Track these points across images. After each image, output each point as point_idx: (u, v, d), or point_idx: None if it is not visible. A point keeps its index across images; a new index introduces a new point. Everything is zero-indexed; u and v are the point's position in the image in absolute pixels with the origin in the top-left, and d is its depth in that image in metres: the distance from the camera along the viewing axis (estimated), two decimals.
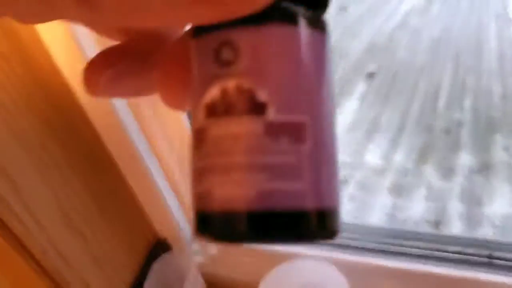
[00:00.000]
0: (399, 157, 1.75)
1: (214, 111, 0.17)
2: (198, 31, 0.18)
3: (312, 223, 0.17)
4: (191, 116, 0.18)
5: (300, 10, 0.17)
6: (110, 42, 0.21)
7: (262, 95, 0.16)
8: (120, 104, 0.60)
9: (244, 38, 0.17)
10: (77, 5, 0.13)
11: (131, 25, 0.16)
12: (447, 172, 1.65)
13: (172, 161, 0.72)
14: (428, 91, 2.21)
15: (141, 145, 0.65)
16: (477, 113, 1.99)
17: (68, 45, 0.52)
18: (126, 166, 0.69)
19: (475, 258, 0.70)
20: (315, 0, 0.18)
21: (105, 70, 0.20)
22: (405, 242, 0.74)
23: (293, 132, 0.17)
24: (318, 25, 0.18)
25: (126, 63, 0.20)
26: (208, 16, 0.14)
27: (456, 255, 0.71)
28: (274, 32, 0.17)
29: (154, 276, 0.73)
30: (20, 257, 0.52)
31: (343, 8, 3.48)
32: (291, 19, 0.17)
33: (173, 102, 0.20)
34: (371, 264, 0.71)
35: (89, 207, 0.62)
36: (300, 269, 0.70)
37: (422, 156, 1.75)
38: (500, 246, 0.70)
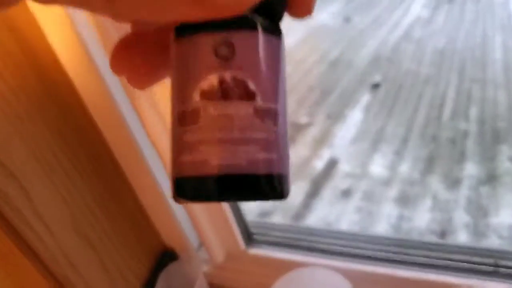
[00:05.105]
0: (405, 168, 1.76)
1: (212, 95, 0.21)
2: (192, 29, 0.22)
3: (279, 185, 0.22)
4: (177, 99, 0.22)
5: (276, 24, 0.23)
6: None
7: (252, 86, 0.21)
8: (130, 116, 0.61)
9: (239, 40, 0.21)
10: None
11: (142, 17, 0.20)
12: (453, 182, 1.65)
13: None
14: (433, 102, 2.22)
15: (151, 158, 0.66)
16: (482, 123, 1.99)
17: (80, 57, 0.53)
18: (135, 177, 0.70)
19: (481, 266, 0.70)
20: (277, 14, 0.23)
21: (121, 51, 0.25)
22: (411, 251, 0.75)
23: (272, 116, 0.22)
24: (281, 34, 0.23)
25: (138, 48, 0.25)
26: (199, 15, 0.19)
27: (463, 264, 0.71)
28: (263, 38, 0.22)
29: (162, 285, 0.73)
30: (31, 264, 0.53)
31: (347, 20, 3.50)
32: (274, 30, 0.23)
33: (138, 84, 0.25)
34: (377, 273, 0.72)
35: (98, 217, 0.63)
36: (307, 278, 0.71)
37: (428, 166, 1.75)
38: (505, 255, 0.70)
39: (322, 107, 2.32)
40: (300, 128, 2.14)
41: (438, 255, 0.73)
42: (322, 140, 2.02)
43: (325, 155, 1.91)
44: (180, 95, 0.22)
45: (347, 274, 0.71)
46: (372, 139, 1.98)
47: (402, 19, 3.41)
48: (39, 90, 0.52)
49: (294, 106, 2.34)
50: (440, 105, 2.19)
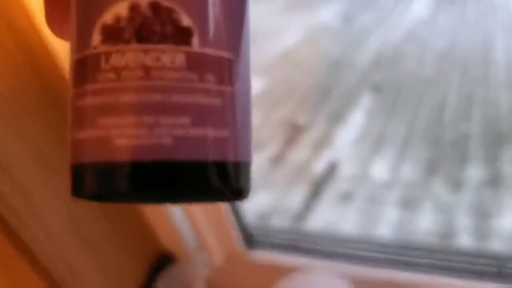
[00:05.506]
0: (406, 170, 1.76)
1: (118, 34, 0.13)
2: None
3: (235, 179, 0.15)
4: (73, 44, 0.15)
5: None
6: None
7: (186, 19, 0.13)
8: None
9: None
10: None
11: None
12: (455, 185, 1.65)
13: None
14: (435, 103, 2.22)
15: None
16: (484, 125, 1.99)
17: None
18: None
19: (484, 269, 0.70)
20: None
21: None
22: (413, 254, 0.75)
23: (221, 70, 0.14)
24: None
25: None
26: None
27: (465, 267, 0.71)
28: None
29: None
30: (27, 264, 0.52)
31: (348, 20, 3.50)
32: None
33: (55, 26, 0.18)
34: (379, 276, 0.72)
35: (97, 218, 0.63)
36: (308, 281, 0.71)
37: (430, 169, 1.75)
38: (508, 257, 0.70)
39: (322, 108, 2.32)
40: (299, 129, 2.14)
41: (441, 258, 0.73)
42: (323, 141, 2.02)
43: (326, 157, 1.91)
44: (76, 37, 0.15)
45: (348, 277, 0.71)
46: (373, 141, 1.97)
47: (404, 19, 3.41)
48: (37, 88, 0.52)
49: (293, 107, 2.34)
50: (442, 106, 2.19)
